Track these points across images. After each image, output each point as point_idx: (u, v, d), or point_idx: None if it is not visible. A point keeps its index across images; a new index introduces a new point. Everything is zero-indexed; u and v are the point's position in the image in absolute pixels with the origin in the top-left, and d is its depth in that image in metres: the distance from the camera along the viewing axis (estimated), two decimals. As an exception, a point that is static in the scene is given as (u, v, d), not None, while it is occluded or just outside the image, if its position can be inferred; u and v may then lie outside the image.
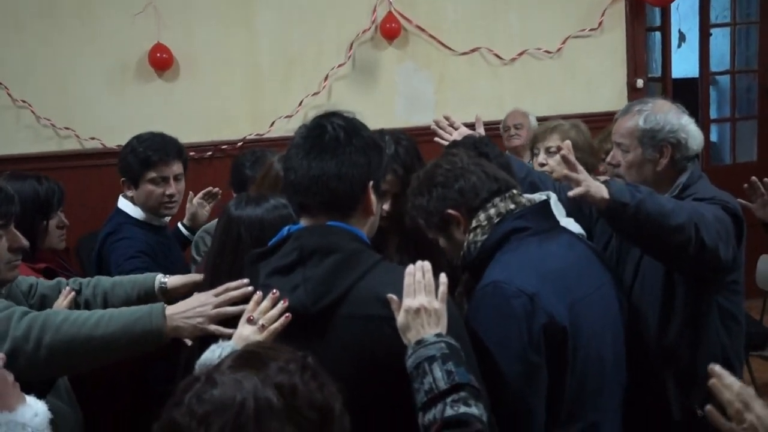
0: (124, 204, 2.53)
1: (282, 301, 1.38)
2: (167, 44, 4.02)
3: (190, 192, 2.86)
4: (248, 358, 1.02)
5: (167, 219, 2.60)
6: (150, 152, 2.45)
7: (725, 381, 1.27)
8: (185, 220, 2.89)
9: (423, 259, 1.41)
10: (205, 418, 0.93)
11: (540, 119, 3.93)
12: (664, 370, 1.96)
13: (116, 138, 3.89)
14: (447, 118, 2.40)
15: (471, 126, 2.41)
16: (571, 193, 1.77)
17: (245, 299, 1.50)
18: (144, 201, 2.49)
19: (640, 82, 4.54)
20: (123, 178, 2.51)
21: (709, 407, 1.26)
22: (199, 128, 4.13)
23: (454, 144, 2.15)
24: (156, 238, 2.50)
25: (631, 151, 2.05)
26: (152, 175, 2.45)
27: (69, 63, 3.99)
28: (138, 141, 2.49)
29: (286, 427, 0.94)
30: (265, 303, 1.41)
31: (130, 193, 2.50)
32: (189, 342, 1.77)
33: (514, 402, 1.48)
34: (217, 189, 2.91)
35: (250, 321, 1.42)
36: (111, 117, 4.03)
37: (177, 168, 2.50)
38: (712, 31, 5.17)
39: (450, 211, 1.66)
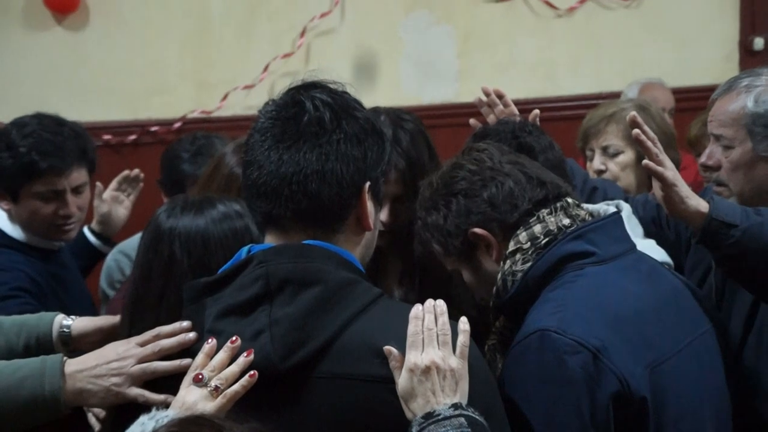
0: None
1: (245, 353, 1.38)
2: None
3: (98, 184, 2.76)
4: (196, 422, 1.03)
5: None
6: (36, 155, 2.34)
7: None
8: (94, 224, 2.82)
9: (437, 294, 1.41)
10: None
11: (606, 96, 3.93)
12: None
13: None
14: (498, 94, 2.36)
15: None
16: (646, 162, 1.78)
17: (184, 351, 1.50)
18: (26, 221, 2.43)
19: (758, 42, 4.55)
20: None
21: None
22: (117, 100, 4.15)
23: (484, 133, 2.14)
24: (45, 268, 2.45)
25: (736, 145, 2.06)
26: (39, 188, 2.38)
27: None
28: (18, 132, 2.37)
29: None
30: (221, 355, 1.41)
31: (5, 206, 2.44)
32: (95, 421, 1.75)
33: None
34: (137, 171, 2.83)
35: (199, 381, 1.41)
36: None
37: (78, 177, 2.43)
38: None
39: (476, 230, 1.66)
